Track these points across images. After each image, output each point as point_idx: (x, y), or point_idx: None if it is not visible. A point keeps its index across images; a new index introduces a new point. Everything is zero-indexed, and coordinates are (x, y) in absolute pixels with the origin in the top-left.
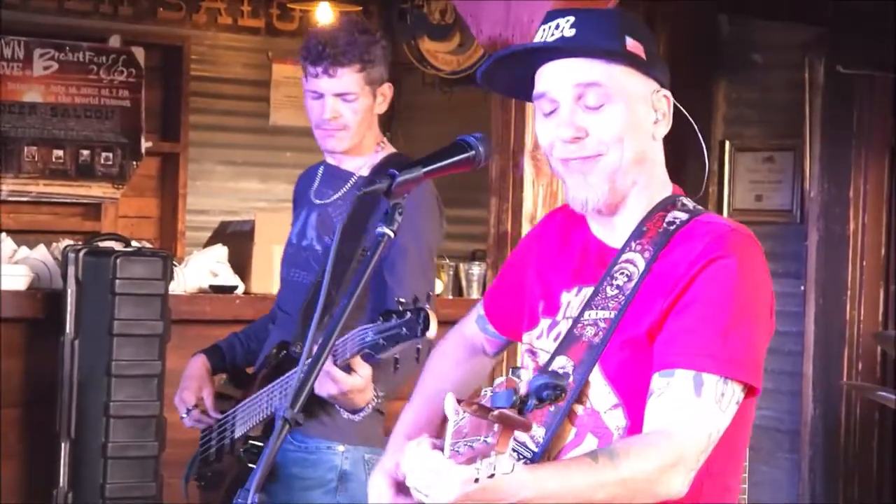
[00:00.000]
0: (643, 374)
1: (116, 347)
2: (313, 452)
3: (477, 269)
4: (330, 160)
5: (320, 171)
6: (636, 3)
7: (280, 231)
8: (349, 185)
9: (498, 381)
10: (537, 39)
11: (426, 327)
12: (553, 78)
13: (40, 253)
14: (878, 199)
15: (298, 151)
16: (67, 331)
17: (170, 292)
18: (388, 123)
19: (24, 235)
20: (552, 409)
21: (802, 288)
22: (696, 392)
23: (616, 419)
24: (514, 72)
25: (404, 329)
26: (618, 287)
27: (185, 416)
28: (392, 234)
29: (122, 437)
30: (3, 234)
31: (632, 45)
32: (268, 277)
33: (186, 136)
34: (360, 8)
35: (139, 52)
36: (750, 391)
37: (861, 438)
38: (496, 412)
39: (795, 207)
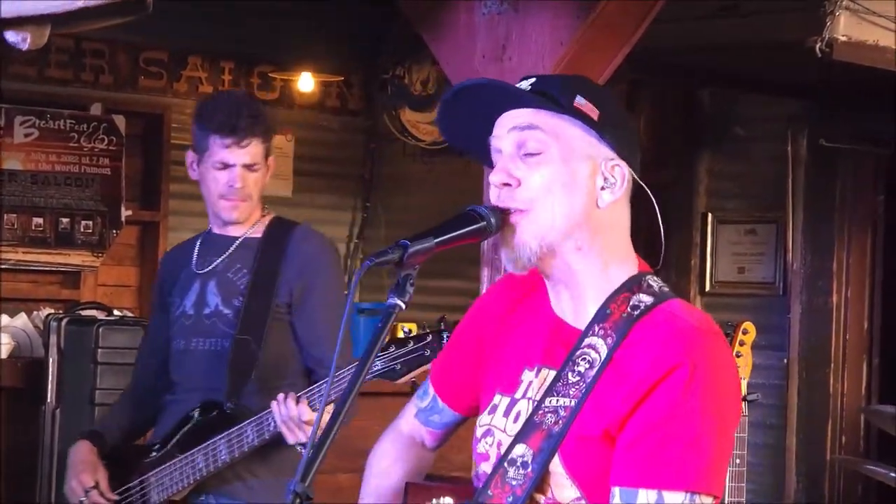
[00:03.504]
0: (604, 469)
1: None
2: None
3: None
4: (215, 230)
5: (195, 246)
6: (619, 77)
7: None
8: (233, 248)
9: None
10: None
11: None
12: (499, 125)
13: (21, 321)
14: (860, 272)
15: None
16: (48, 400)
17: None
18: (367, 193)
19: (2, 303)
20: (510, 498)
21: (785, 361)
22: None
23: None
24: (471, 125)
25: (428, 350)
26: (579, 374)
27: (83, 499)
28: (403, 306)
29: None
30: None
31: (581, 103)
32: None
33: (167, 204)
34: (342, 78)
35: (120, 121)
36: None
37: None
38: None
39: (778, 280)
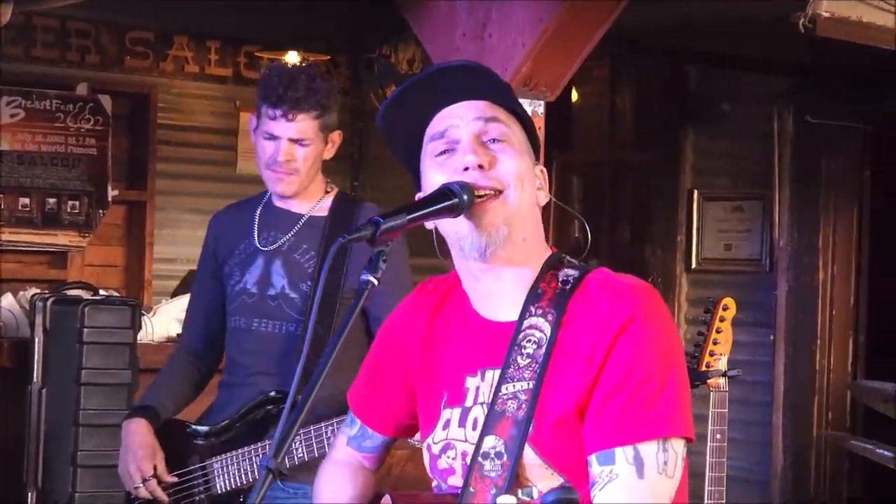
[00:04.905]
0: (580, 448)
1: (84, 396)
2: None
3: None
4: (276, 203)
5: (255, 216)
6: (602, 55)
7: None
8: (298, 226)
9: (504, 501)
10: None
11: None
12: (453, 115)
13: (7, 301)
14: (847, 249)
15: None
16: (35, 380)
17: (138, 341)
18: (356, 173)
19: None
20: (492, 491)
21: (772, 338)
22: (638, 474)
23: None
24: (410, 119)
25: None
26: (529, 356)
27: (140, 486)
28: (377, 282)
29: (90, 487)
30: None
31: (522, 107)
32: None
33: (153, 184)
34: (329, 57)
35: (106, 100)
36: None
37: (832, 489)
38: None
39: (765, 257)
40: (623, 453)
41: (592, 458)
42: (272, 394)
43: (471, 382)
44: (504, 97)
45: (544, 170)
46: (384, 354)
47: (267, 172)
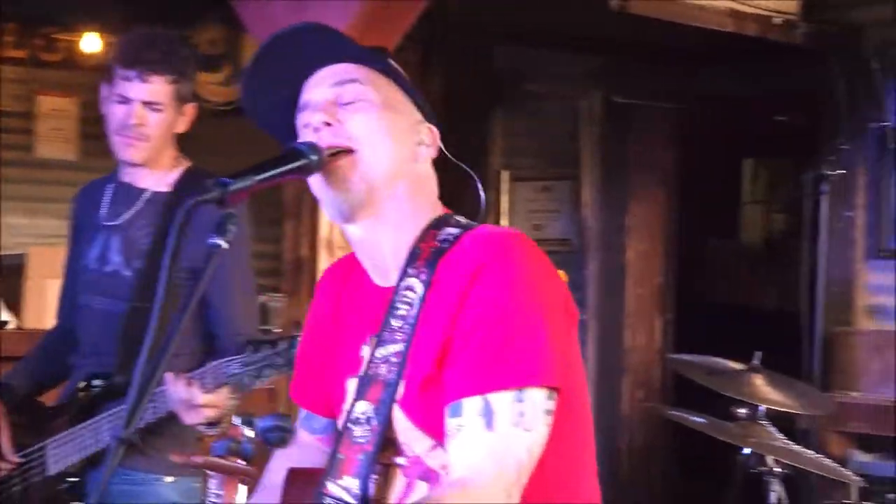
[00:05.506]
0: None
1: None
2: (140, 484)
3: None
4: (123, 178)
5: (108, 190)
6: (414, 35)
7: (54, 265)
8: (142, 202)
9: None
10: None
11: None
12: (314, 84)
13: None
14: (654, 228)
15: (65, 185)
16: None
17: None
18: None
19: None
20: (361, 456)
21: (583, 317)
22: (487, 426)
23: (439, 458)
24: (281, 99)
25: (279, 358)
26: (401, 317)
27: None
28: (226, 245)
29: None
30: None
31: (393, 64)
32: (42, 312)
33: None
34: None
35: None
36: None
37: (644, 465)
38: (202, 459)
39: (574, 236)
40: (472, 404)
41: (446, 411)
42: (87, 379)
43: (365, 351)
44: (368, 56)
45: (431, 127)
46: (307, 339)
47: (116, 139)
